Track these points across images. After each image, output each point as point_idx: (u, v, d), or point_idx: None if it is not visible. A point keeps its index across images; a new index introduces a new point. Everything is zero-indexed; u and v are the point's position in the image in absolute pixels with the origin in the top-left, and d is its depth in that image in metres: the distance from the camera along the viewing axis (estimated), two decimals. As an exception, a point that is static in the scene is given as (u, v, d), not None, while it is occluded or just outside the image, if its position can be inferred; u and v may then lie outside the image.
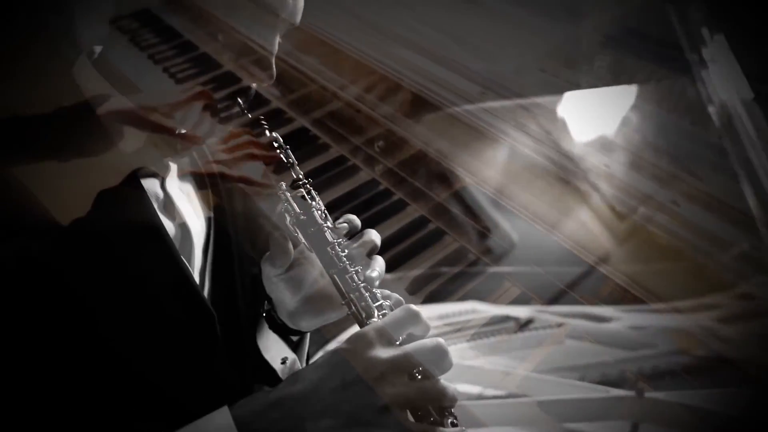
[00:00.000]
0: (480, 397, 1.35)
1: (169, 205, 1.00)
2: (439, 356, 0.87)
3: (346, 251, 0.98)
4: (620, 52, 1.78)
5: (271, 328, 1.09)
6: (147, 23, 0.97)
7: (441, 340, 0.88)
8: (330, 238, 0.97)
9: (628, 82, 1.76)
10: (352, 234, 1.02)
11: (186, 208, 1.03)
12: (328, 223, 0.99)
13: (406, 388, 0.84)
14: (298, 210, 0.98)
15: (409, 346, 0.86)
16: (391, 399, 0.82)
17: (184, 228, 1.00)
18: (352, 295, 0.95)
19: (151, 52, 0.97)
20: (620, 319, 1.66)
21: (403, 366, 0.85)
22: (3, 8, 0.93)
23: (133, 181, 0.95)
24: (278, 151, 0.99)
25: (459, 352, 1.50)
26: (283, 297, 1.05)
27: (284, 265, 1.03)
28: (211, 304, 0.97)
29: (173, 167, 1.04)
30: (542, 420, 1.29)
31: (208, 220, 1.08)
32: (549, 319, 1.61)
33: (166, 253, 0.93)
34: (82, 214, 0.88)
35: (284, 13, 1.00)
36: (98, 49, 1.00)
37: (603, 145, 1.67)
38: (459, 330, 1.55)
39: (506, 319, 1.58)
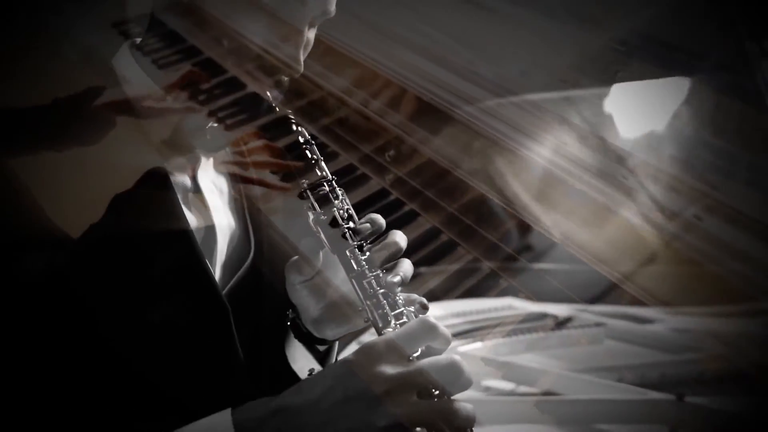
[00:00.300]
0: (512, 393, 1.33)
1: (197, 197, 0.99)
2: (455, 375, 0.81)
3: (368, 254, 0.94)
4: (642, 60, 1.72)
5: (296, 336, 1.06)
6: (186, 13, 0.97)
7: (457, 357, 0.82)
8: (350, 241, 0.94)
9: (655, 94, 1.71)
10: (376, 235, 0.98)
11: (215, 202, 1.02)
12: (351, 224, 0.95)
13: (412, 407, 0.79)
14: (318, 209, 0.95)
15: (422, 363, 0.82)
16: (394, 418, 0.78)
17: (209, 222, 0.99)
18: (368, 302, 0.91)
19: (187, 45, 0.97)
20: (663, 321, 1.62)
21: (411, 383, 0.80)
22: (3, 8, 0.94)
23: (156, 175, 0.94)
24: (304, 146, 0.97)
25: (494, 348, 1.49)
26: (307, 304, 1.03)
27: (310, 273, 1.01)
28: (228, 301, 0.96)
29: (204, 160, 1.03)
30: (575, 419, 1.27)
31: (239, 216, 1.06)
32: (588, 318, 1.58)
33: (187, 250, 0.93)
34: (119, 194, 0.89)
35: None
36: (138, 39, 1.00)
37: (623, 155, 1.63)
38: (495, 326, 1.53)
39: (543, 316, 1.55)
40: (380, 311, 0.89)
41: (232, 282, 1.00)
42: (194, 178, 0.98)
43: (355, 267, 0.91)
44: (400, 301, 0.91)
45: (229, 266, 1.01)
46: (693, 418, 1.35)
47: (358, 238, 0.93)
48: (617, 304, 1.59)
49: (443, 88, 1.77)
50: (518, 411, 1.28)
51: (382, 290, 0.90)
